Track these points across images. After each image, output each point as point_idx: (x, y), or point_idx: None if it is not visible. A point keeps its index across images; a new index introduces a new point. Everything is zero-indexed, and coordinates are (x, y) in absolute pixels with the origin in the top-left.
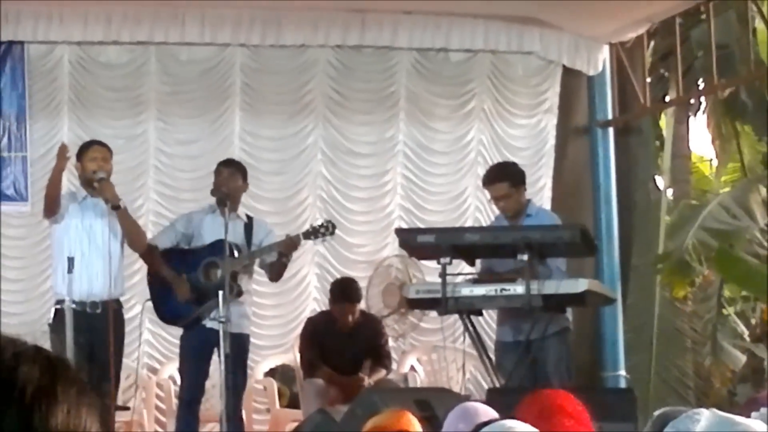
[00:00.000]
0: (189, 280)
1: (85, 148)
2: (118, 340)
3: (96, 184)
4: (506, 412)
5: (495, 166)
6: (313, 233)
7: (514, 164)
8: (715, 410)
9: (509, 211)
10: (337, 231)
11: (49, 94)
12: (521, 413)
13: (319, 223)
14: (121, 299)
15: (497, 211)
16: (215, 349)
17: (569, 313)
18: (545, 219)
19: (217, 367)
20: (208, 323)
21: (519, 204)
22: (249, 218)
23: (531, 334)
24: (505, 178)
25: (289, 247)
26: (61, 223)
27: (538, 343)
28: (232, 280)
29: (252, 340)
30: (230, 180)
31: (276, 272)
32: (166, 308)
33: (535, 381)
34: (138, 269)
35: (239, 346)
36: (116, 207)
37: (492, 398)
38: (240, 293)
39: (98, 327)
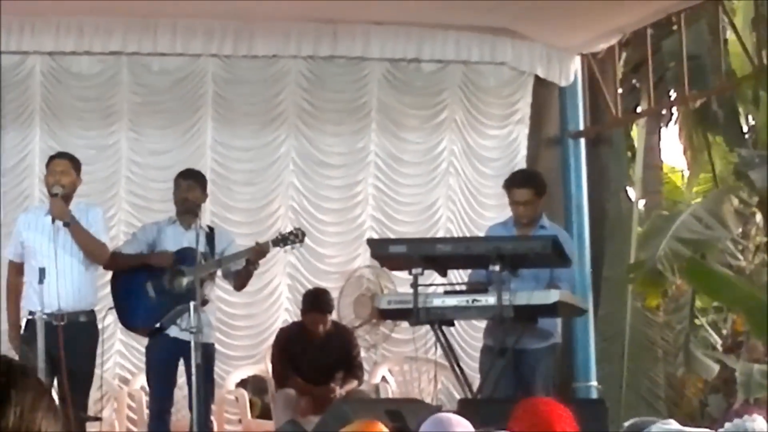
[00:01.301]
0: (154, 289)
1: (48, 161)
2: (90, 351)
3: (50, 200)
4: (478, 423)
5: (522, 171)
6: (282, 241)
7: (540, 174)
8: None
9: (526, 218)
10: (308, 241)
11: (20, 105)
12: (514, 422)
13: (288, 230)
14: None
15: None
16: (181, 359)
17: (558, 327)
18: (557, 233)
19: (185, 377)
20: (173, 333)
21: (536, 213)
22: (210, 228)
23: (522, 343)
24: (531, 185)
25: (257, 254)
26: (31, 235)
27: (531, 354)
28: (195, 287)
29: (224, 350)
30: (189, 191)
31: (241, 281)
32: (130, 316)
33: (517, 391)
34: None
35: (207, 356)
36: (66, 224)
37: (464, 409)
38: (206, 302)
39: (69, 338)
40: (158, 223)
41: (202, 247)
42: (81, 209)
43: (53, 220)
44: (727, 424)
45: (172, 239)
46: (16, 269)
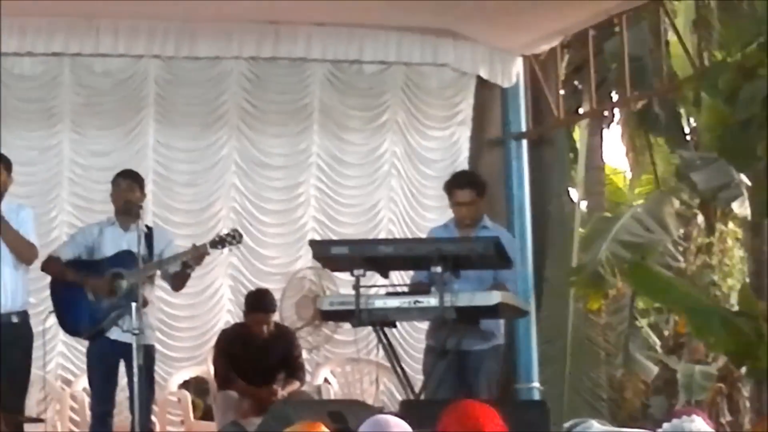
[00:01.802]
0: (93, 293)
1: None
2: (24, 352)
3: None
4: (419, 425)
5: (462, 173)
6: (219, 242)
7: (480, 175)
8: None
9: (468, 219)
10: (250, 243)
11: None
12: (443, 423)
13: (225, 232)
14: (34, 311)
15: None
16: (121, 361)
17: (502, 329)
18: (499, 234)
19: (127, 378)
20: (114, 335)
21: (478, 214)
22: (149, 228)
23: (464, 345)
24: (472, 185)
25: (195, 257)
26: None
27: (474, 355)
28: (135, 289)
29: (165, 351)
30: (129, 191)
31: (179, 282)
32: (70, 320)
33: (460, 392)
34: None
35: (148, 357)
36: None
37: (405, 410)
38: (146, 303)
39: (2, 340)
40: (99, 225)
41: (142, 250)
42: (12, 209)
43: None
44: (665, 425)
45: (111, 241)
46: None
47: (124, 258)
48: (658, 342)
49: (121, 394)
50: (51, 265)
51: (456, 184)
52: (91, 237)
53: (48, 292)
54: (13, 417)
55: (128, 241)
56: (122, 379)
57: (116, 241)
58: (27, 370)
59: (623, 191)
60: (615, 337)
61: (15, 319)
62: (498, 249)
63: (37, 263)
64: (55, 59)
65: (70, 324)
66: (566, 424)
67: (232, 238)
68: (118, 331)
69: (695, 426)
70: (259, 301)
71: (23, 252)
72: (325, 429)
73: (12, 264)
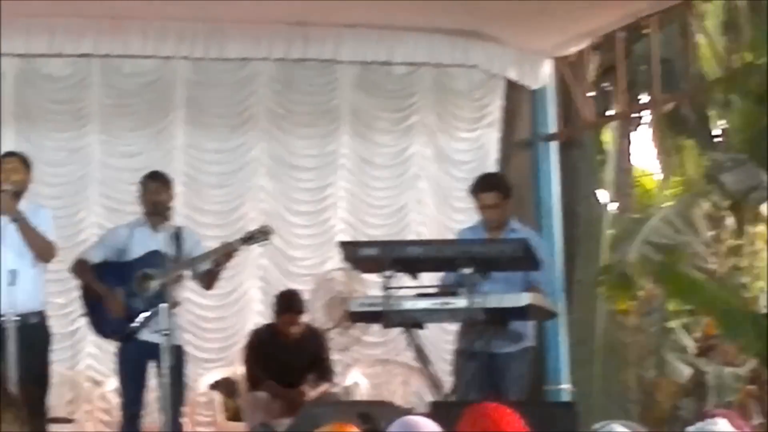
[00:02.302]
0: (123, 293)
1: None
2: (42, 352)
3: None
4: (449, 426)
5: (488, 175)
6: (249, 239)
7: (505, 176)
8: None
9: (494, 221)
10: (279, 244)
11: None
12: (461, 425)
13: (254, 228)
14: (64, 311)
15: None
16: (151, 362)
17: (532, 331)
18: (528, 236)
19: (156, 379)
20: (143, 336)
21: (504, 216)
22: (178, 228)
23: (494, 346)
24: (497, 188)
25: (226, 254)
26: None
27: (503, 358)
28: (164, 290)
29: (195, 353)
30: (158, 192)
31: (209, 281)
32: (101, 323)
33: (490, 394)
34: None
35: (178, 358)
36: (15, 220)
37: (435, 412)
38: (176, 304)
39: (21, 340)
40: (128, 226)
41: (171, 250)
42: (31, 209)
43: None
44: (689, 428)
45: (140, 242)
46: None
47: (154, 258)
48: (690, 344)
49: (150, 395)
50: (79, 268)
51: (481, 187)
52: (121, 239)
53: (77, 293)
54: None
55: (158, 241)
56: (152, 380)
57: (146, 242)
58: (46, 371)
59: (652, 193)
60: (646, 339)
61: (34, 320)
62: (527, 250)
63: (60, 264)
64: (84, 60)
65: (100, 326)
66: (595, 426)
67: (262, 234)
68: (147, 332)
69: (718, 428)
70: (288, 302)
71: (42, 250)
72: (355, 430)
73: (30, 263)
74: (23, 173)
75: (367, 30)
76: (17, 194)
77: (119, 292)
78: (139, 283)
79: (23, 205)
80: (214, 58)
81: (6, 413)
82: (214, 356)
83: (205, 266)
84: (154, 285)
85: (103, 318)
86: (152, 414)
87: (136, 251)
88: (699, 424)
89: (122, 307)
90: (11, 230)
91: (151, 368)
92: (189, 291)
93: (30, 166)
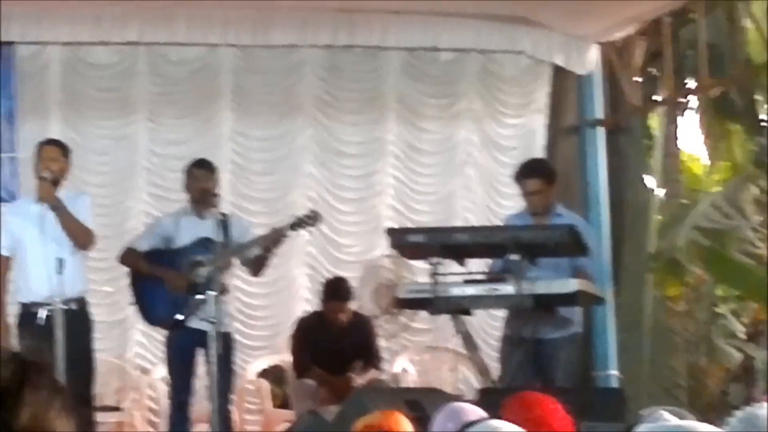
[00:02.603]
0: (170, 285)
1: (38, 148)
2: (84, 338)
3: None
4: (497, 412)
5: (532, 161)
6: (298, 224)
7: (548, 162)
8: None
9: (539, 207)
10: (326, 231)
11: (38, 95)
12: (506, 414)
13: (303, 213)
14: (111, 300)
15: (500, 211)
16: (200, 349)
17: (579, 316)
18: (574, 221)
19: (204, 367)
20: (192, 323)
21: (548, 202)
22: (225, 215)
23: (541, 333)
24: (541, 173)
25: (274, 240)
26: (20, 224)
27: (551, 344)
28: (213, 278)
29: (243, 340)
30: (204, 180)
31: (259, 267)
32: (150, 311)
33: (537, 380)
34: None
35: (226, 345)
36: (54, 208)
37: (483, 398)
38: (225, 291)
39: (53, 328)
40: (175, 215)
41: (219, 237)
42: (69, 197)
43: (40, 203)
44: (738, 412)
45: (187, 230)
46: (3, 264)
47: (203, 245)
48: (739, 329)
49: (199, 383)
50: (128, 257)
51: (524, 173)
52: (168, 227)
53: (125, 281)
54: (82, 406)
55: (205, 229)
56: (200, 367)
57: (193, 230)
58: (89, 358)
59: (700, 178)
60: (695, 324)
61: (74, 306)
62: (575, 236)
63: (107, 252)
64: (130, 48)
65: (150, 314)
66: (643, 413)
67: (310, 219)
68: (196, 320)
69: (763, 411)
70: (336, 290)
71: (80, 237)
72: (402, 417)
73: (70, 251)
74: (62, 162)
75: (414, 16)
76: (56, 182)
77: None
78: (189, 271)
79: (62, 193)
80: (260, 45)
81: (54, 401)
82: (262, 344)
83: (254, 252)
84: (203, 272)
85: (152, 306)
86: (201, 402)
87: (184, 239)
88: (748, 409)
89: (185, 281)
90: (50, 218)
91: (200, 356)
92: (237, 279)
93: (69, 153)
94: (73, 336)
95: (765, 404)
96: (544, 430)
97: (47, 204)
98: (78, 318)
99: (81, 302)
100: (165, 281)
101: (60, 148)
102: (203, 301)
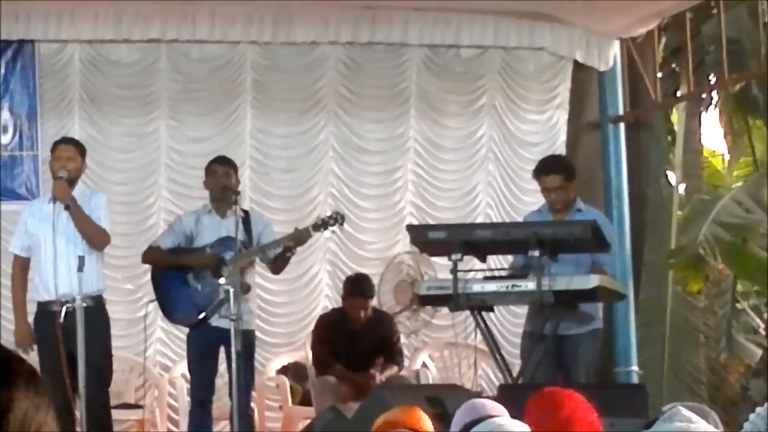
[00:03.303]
0: (197, 280)
1: (54, 147)
2: (99, 336)
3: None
4: (518, 409)
5: (550, 158)
6: (322, 225)
7: (567, 158)
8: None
9: (559, 204)
10: (348, 228)
11: (59, 93)
12: (530, 411)
13: (327, 214)
14: (132, 297)
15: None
16: (221, 347)
17: (600, 312)
18: (594, 217)
19: (225, 364)
20: (214, 321)
21: (569, 198)
22: (245, 212)
23: (562, 329)
24: (560, 170)
25: (298, 240)
26: (35, 223)
27: (572, 340)
28: (240, 276)
29: (264, 337)
30: (225, 177)
31: (279, 266)
32: (174, 308)
33: (558, 376)
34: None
35: (247, 343)
36: (67, 207)
37: (503, 395)
38: (248, 289)
39: (72, 326)
40: (195, 213)
41: (240, 234)
42: (85, 195)
43: (54, 202)
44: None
45: (209, 228)
46: (21, 264)
47: (226, 244)
48: (760, 325)
49: (219, 380)
50: (151, 255)
51: (543, 170)
52: (189, 225)
53: (146, 278)
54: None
55: (227, 227)
56: (222, 365)
57: (214, 228)
58: (106, 355)
59: (722, 174)
60: (716, 320)
61: (90, 303)
62: (596, 232)
63: (128, 250)
64: (151, 46)
65: (173, 313)
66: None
67: (334, 221)
68: (217, 318)
69: None
70: (357, 286)
71: (94, 237)
72: (423, 414)
73: (84, 249)
74: (78, 161)
75: (435, 13)
76: (72, 181)
77: (191, 278)
78: (213, 270)
79: (78, 191)
80: (281, 42)
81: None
82: (283, 341)
83: (275, 252)
84: (225, 271)
85: (175, 304)
86: (221, 399)
87: (205, 237)
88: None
89: (214, 258)
90: (65, 216)
91: (221, 354)
92: (258, 276)
93: (84, 152)
94: (91, 335)
95: None
96: (573, 429)
97: (62, 203)
98: (93, 315)
99: (97, 299)
100: (193, 264)
101: (76, 146)
102: (225, 299)
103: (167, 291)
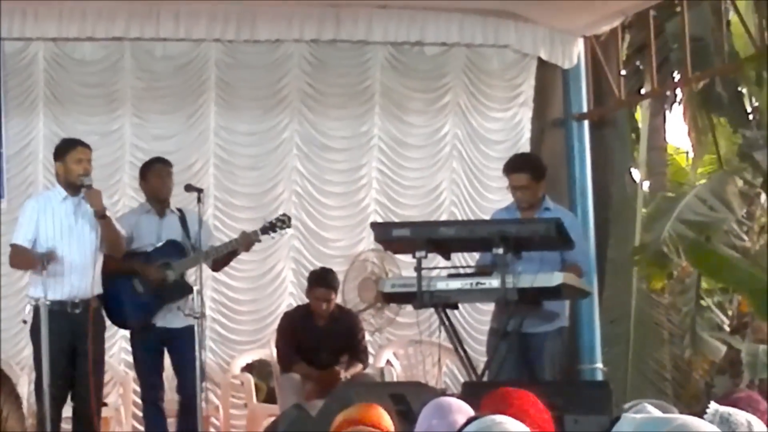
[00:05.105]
0: (142, 285)
1: (69, 148)
2: (102, 336)
3: (83, 190)
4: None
5: (518, 156)
6: (270, 228)
7: (538, 158)
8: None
9: (525, 202)
10: (312, 226)
11: (24, 91)
12: (483, 410)
13: (274, 217)
14: None
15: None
16: (164, 346)
17: (566, 310)
18: (562, 215)
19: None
20: (159, 322)
21: (536, 197)
22: (180, 211)
23: (527, 326)
24: (527, 169)
25: (246, 244)
26: (47, 221)
27: (537, 337)
28: (182, 278)
29: (228, 335)
30: (167, 176)
31: (219, 266)
32: (119, 313)
33: (523, 374)
34: None
35: (190, 339)
36: (102, 216)
37: (467, 392)
38: (190, 290)
39: (80, 326)
40: (133, 213)
41: (178, 233)
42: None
43: (95, 213)
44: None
45: (147, 228)
46: (21, 252)
47: (171, 248)
48: (725, 321)
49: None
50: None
51: (512, 168)
52: (128, 226)
53: None
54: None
55: (165, 226)
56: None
57: (153, 227)
58: (104, 354)
59: (686, 171)
60: (680, 317)
61: (95, 304)
62: (559, 230)
63: None
64: (115, 44)
65: (119, 317)
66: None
67: (282, 223)
68: (160, 319)
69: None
70: (321, 278)
71: (120, 246)
72: (383, 411)
73: (95, 249)
74: (91, 163)
75: (399, 10)
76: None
77: (137, 283)
78: (161, 272)
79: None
80: (245, 40)
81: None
82: (248, 338)
83: (217, 254)
84: (171, 274)
85: (121, 309)
86: (168, 395)
87: (145, 238)
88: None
89: (159, 272)
90: (80, 218)
91: (166, 353)
92: (222, 273)
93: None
94: (97, 333)
95: (731, 410)
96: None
97: (99, 212)
98: (100, 315)
99: (100, 300)
100: (142, 274)
101: (89, 149)
102: (173, 306)
103: (113, 296)
